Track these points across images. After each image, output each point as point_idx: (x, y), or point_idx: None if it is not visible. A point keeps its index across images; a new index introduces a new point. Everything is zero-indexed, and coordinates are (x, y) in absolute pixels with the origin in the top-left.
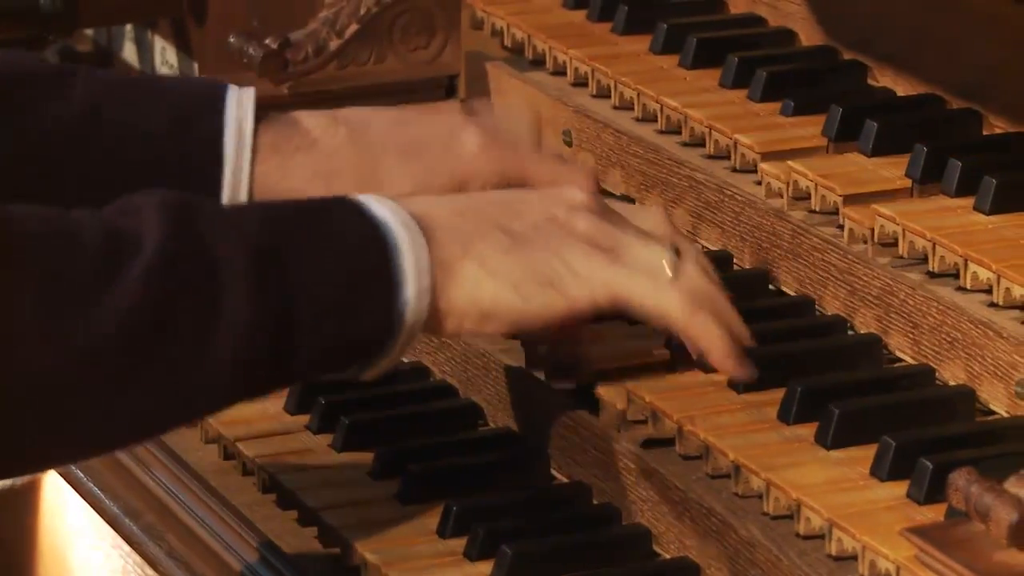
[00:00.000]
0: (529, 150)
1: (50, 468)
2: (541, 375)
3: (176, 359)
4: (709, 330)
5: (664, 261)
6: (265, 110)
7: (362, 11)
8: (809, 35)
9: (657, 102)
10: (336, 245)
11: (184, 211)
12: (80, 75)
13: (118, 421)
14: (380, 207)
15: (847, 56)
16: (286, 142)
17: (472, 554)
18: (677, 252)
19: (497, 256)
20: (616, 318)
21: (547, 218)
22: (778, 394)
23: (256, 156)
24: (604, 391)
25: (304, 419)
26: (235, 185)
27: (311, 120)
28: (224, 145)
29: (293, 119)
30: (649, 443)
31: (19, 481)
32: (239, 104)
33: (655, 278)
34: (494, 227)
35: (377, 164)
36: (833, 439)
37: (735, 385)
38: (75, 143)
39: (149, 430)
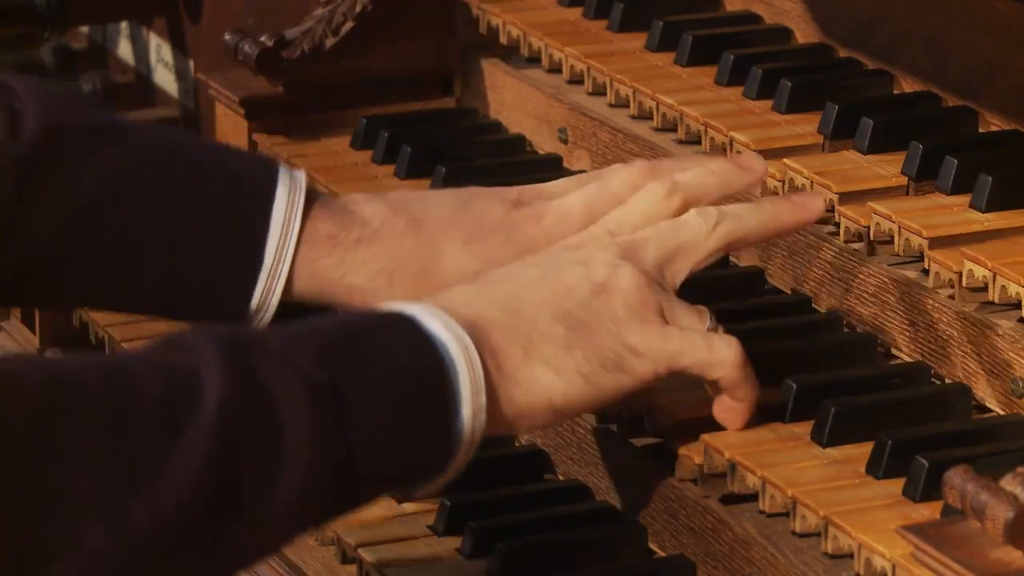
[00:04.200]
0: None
1: None
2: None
3: (246, 511)
4: (753, 380)
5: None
6: (316, 192)
7: (358, 8)
8: (805, 33)
9: (653, 100)
10: (393, 375)
11: (240, 352)
12: (129, 132)
13: None
14: (434, 321)
15: (843, 54)
16: (345, 233)
17: (467, 551)
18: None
19: (559, 353)
20: None
21: (594, 288)
22: (774, 392)
23: (315, 250)
24: None
25: None
26: (269, 286)
27: (368, 208)
28: (266, 247)
29: (350, 206)
30: (644, 442)
31: None
32: (288, 202)
33: (706, 339)
34: (549, 319)
35: (440, 253)
36: (829, 437)
37: None
38: (117, 204)
39: None
